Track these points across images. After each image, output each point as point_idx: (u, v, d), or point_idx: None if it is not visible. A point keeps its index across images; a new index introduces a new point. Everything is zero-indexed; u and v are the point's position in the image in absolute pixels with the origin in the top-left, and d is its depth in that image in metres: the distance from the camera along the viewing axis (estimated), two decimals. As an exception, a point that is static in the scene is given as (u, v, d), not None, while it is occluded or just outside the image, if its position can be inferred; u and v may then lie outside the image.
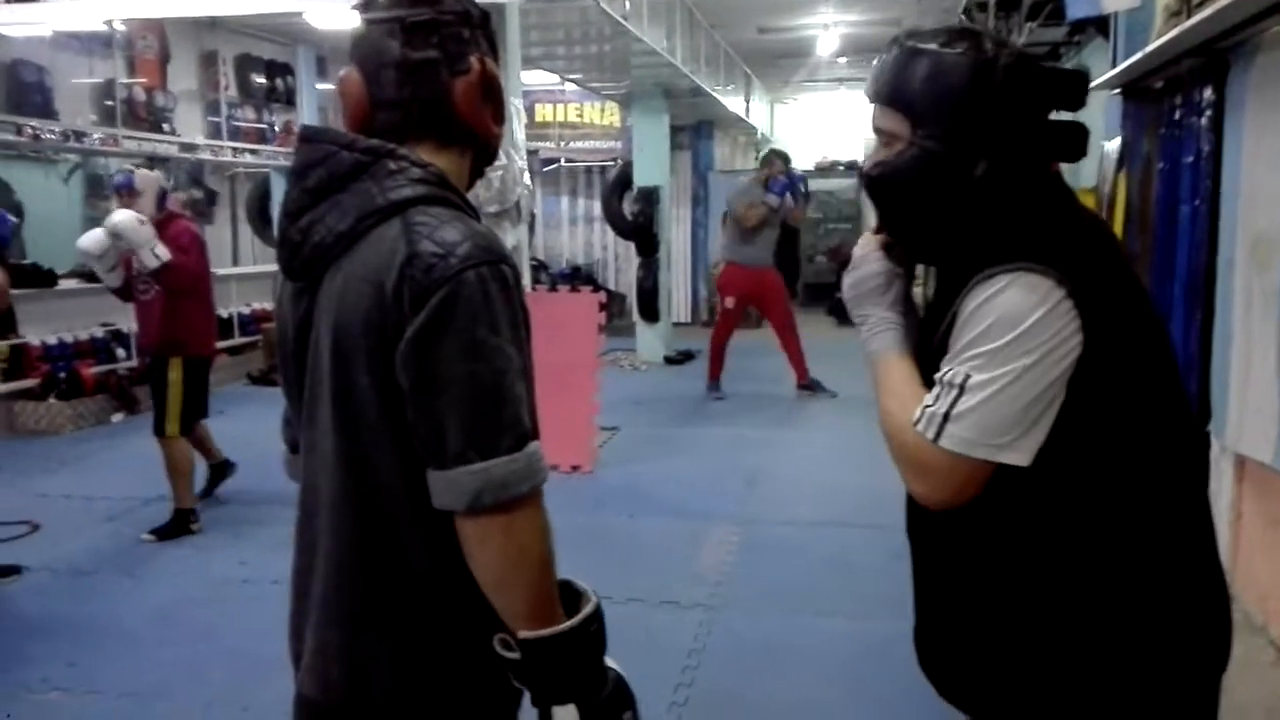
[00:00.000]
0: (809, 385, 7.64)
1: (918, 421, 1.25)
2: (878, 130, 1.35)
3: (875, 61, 1.35)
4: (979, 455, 1.22)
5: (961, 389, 1.22)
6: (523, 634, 1.19)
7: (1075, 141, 1.32)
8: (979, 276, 1.22)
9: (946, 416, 1.22)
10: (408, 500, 1.21)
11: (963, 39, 1.29)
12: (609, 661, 1.28)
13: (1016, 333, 1.19)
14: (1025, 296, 1.19)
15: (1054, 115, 1.32)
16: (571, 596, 1.26)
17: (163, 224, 4.53)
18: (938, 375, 1.26)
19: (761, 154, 8.08)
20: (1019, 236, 1.25)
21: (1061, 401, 1.21)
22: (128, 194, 4.49)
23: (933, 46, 1.28)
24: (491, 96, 1.32)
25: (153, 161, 8.26)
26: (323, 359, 1.25)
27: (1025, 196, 1.30)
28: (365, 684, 1.26)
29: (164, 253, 4.40)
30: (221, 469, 5.16)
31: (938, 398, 1.24)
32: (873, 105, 1.35)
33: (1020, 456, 1.21)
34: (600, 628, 1.25)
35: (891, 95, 1.31)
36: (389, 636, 1.25)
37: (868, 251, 1.41)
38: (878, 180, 1.34)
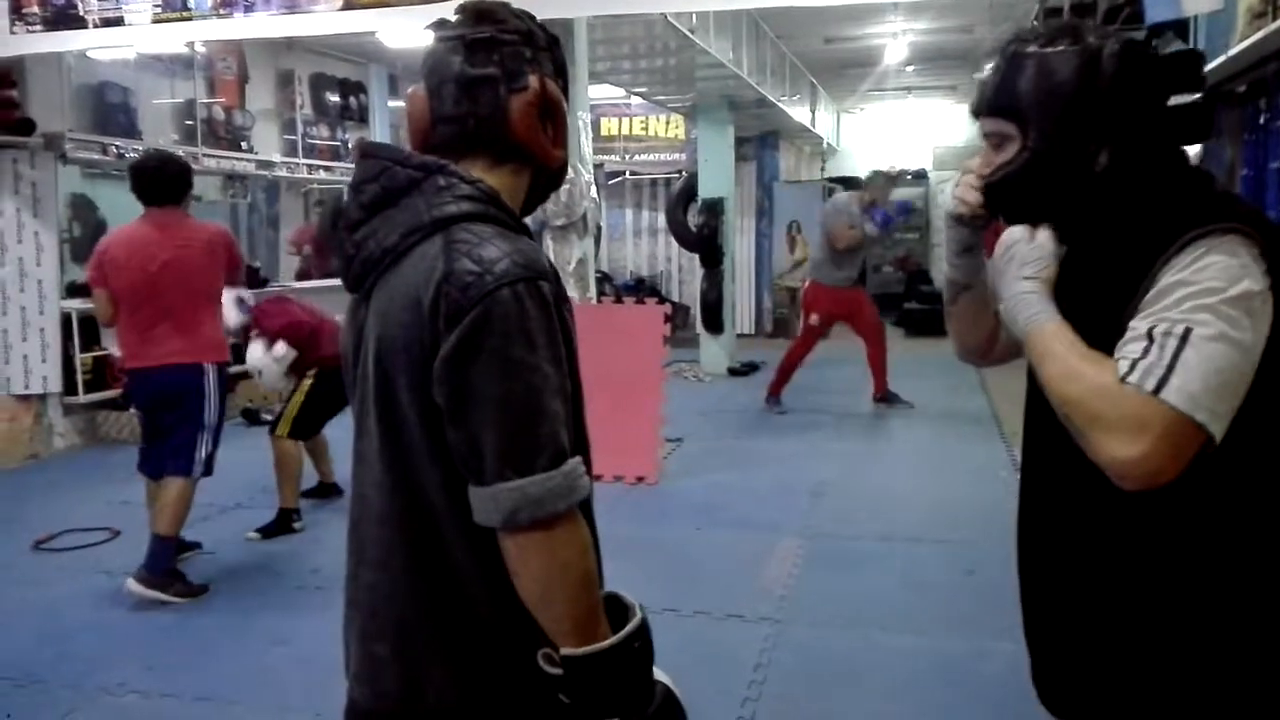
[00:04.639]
0: (886, 398, 7.55)
1: (1127, 375, 1.13)
2: (987, 135, 1.33)
3: (980, 77, 1.34)
4: (1200, 418, 1.10)
5: (1184, 340, 1.11)
6: (565, 651, 1.19)
7: (1200, 122, 1.28)
8: (1182, 241, 1.15)
9: (1170, 368, 1.10)
10: (453, 513, 1.22)
11: (1063, 35, 1.26)
12: (658, 674, 1.27)
13: (1238, 291, 1.12)
14: (1239, 259, 1.13)
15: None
16: (619, 610, 1.25)
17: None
18: (1139, 328, 1.15)
19: (867, 176, 7.78)
20: (1199, 207, 1.20)
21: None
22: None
23: (1033, 49, 1.26)
24: (551, 117, 1.32)
25: (231, 179, 8.53)
26: (369, 372, 1.27)
27: (1165, 178, 1.26)
28: (419, 694, 1.26)
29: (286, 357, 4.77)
30: (326, 489, 5.27)
31: (1148, 350, 1.13)
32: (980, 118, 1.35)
33: (1222, 429, 1.12)
34: (645, 644, 1.23)
35: (995, 104, 1.29)
36: (441, 647, 1.26)
37: (1043, 236, 1.32)
38: (996, 186, 1.31)
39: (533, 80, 1.29)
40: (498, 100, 1.28)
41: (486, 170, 1.30)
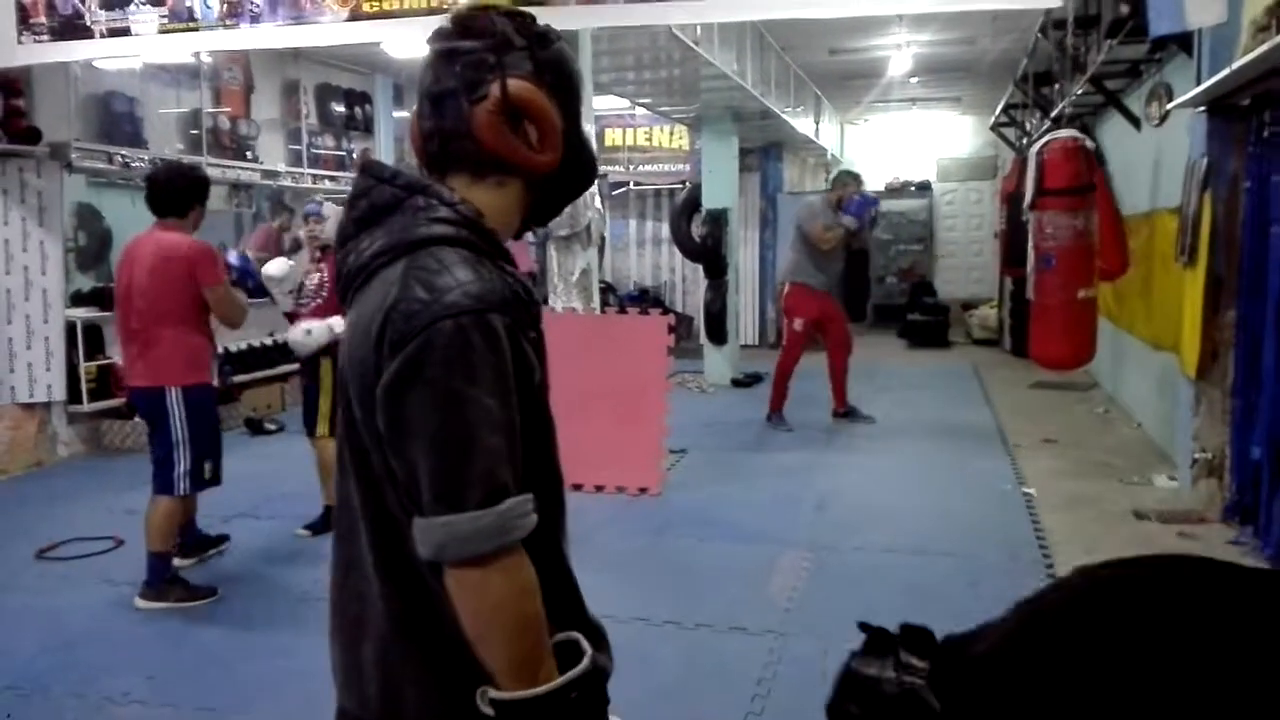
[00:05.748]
0: (847, 412, 7.49)
1: None
2: None
3: None
4: None
5: None
6: (492, 693, 1.16)
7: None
8: None
9: None
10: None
11: None
12: None
13: None
14: None
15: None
16: (575, 657, 1.21)
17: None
18: None
19: (832, 175, 7.74)
20: None
21: None
22: (315, 220, 4.90)
23: None
24: (532, 120, 1.26)
25: (236, 188, 8.55)
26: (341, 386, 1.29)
27: None
28: (398, 704, 1.26)
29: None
30: None
31: None
32: None
33: None
34: (588, 693, 1.19)
35: None
36: (417, 663, 1.25)
37: None
38: None
39: (493, 88, 1.23)
40: (461, 114, 1.25)
41: (468, 187, 1.27)
